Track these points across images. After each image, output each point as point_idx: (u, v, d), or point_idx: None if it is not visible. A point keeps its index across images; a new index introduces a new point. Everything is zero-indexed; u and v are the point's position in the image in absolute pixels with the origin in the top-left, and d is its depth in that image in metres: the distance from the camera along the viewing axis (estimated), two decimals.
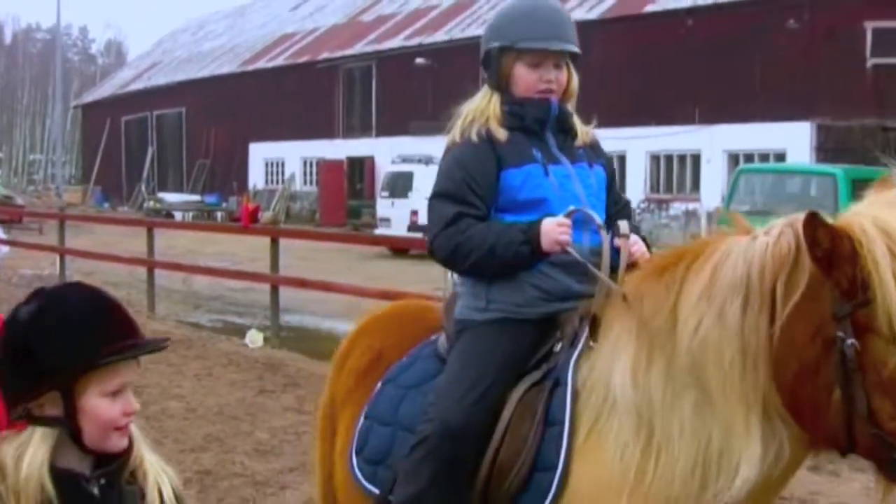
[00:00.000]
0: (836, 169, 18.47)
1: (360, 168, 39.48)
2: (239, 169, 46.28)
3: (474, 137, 3.06)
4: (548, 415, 2.81)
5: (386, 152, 33.78)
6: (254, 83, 45.92)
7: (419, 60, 37.31)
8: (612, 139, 32.47)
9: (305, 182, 43.12)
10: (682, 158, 29.40)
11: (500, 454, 2.85)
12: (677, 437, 2.61)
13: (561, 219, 2.93)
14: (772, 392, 2.50)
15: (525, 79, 3.08)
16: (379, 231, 25.91)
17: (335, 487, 3.41)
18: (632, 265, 2.95)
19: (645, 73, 30.03)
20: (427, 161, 26.34)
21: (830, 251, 2.37)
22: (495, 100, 3.11)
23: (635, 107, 30.10)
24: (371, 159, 38.46)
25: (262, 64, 46.88)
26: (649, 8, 31.22)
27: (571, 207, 2.97)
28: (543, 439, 2.80)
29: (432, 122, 36.07)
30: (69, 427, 2.09)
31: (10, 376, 2.12)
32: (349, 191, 39.06)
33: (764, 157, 27.06)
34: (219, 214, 41.60)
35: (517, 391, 2.91)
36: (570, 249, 2.92)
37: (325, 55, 42.74)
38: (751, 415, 2.51)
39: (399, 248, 23.07)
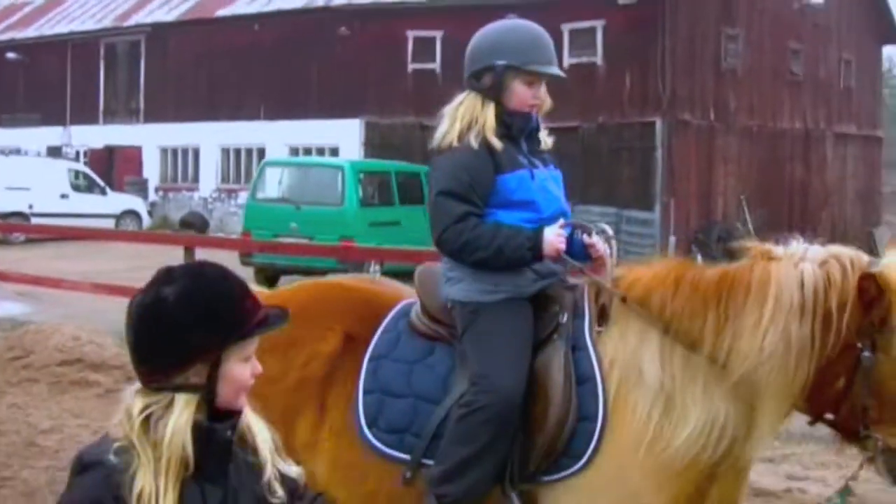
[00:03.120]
0: (344, 162, 20.95)
1: None
2: None
3: (474, 144, 3.39)
4: (579, 374, 3.27)
5: None
6: None
7: (10, 55, 36.54)
8: (187, 133, 33.58)
9: None
10: (248, 151, 31.11)
11: (557, 413, 3.24)
12: (690, 408, 3.17)
13: (558, 229, 3.39)
14: (807, 385, 3.14)
15: (521, 94, 3.45)
16: None
17: (328, 463, 3.47)
18: (596, 260, 3.47)
19: (217, 72, 31.56)
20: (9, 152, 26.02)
21: (875, 298, 3.08)
22: (490, 109, 3.43)
23: (208, 103, 31.65)
24: None
25: None
26: (221, 12, 32.80)
27: (562, 220, 3.45)
28: (581, 394, 3.24)
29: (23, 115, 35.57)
30: (209, 392, 2.21)
31: (157, 354, 2.20)
32: None
33: (321, 151, 29.32)
34: None
35: (548, 358, 3.32)
36: (565, 257, 3.41)
37: None
38: (786, 406, 3.19)
39: None
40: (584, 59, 26.33)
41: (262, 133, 30.42)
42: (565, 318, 3.35)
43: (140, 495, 2.14)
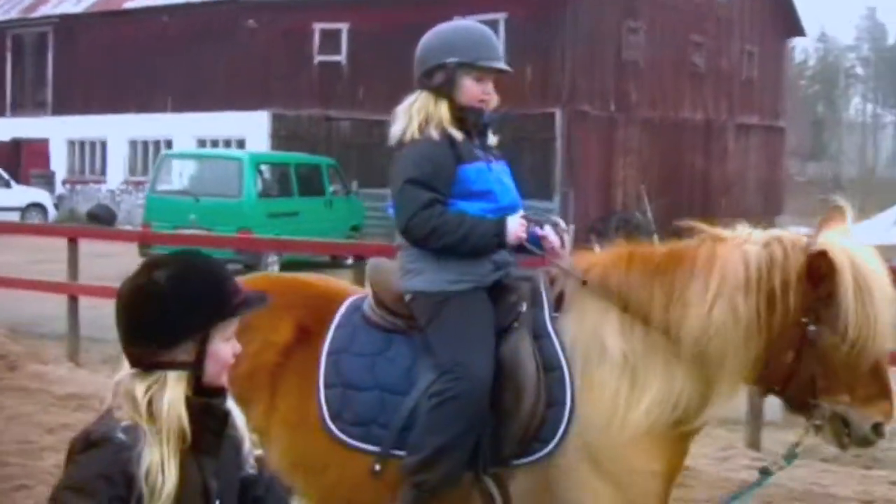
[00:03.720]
0: (243, 154, 21.06)
1: None
2: None
3: (435, 135, 3.52)
4: (546, 362, 3.39)
5: None
6: None
7: None
8: (94, 125, 33.23)
9: None
10: (156, 144, 30.95)
11: (531, 399, 3.35)
12: (652, 378, 3.33)
13: (520, 219, 3.53)
14: (757, 360, 3.29)
15: (471, 90, 3.59)
16: None
17: (280, 452, 3.53)
18: (549, 251, 3.61)
19: (125, 64, 31.34)
20: None
21: (823, 274, 3.21)
22: (443, 105, 3.57)
23: (116, 95, 31.47)
24: None
25: None
26: (128, 4, 32.61)
27: (522, 212, 3.61)
28: (549, 381, 3.35)
29: None
30: (197, 369, 2.37)
31: (148, 333, 2.34)
32: None
33: (228, 143, 29.39)
34: None
35: (516, 347, 3.43)
36: (527, 245, 3.54)
37: None
38: (738, 380, 3.33)
39: None
40: None
41: (169, 125, 30.35)
42: (524, 307, 3.47)
43: (148, 470, 2.26)
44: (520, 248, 3.58)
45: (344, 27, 28.53)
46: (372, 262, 3.83)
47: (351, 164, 27.13)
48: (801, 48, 71.24)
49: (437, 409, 3.35)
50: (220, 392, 2.44)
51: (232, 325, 2.44)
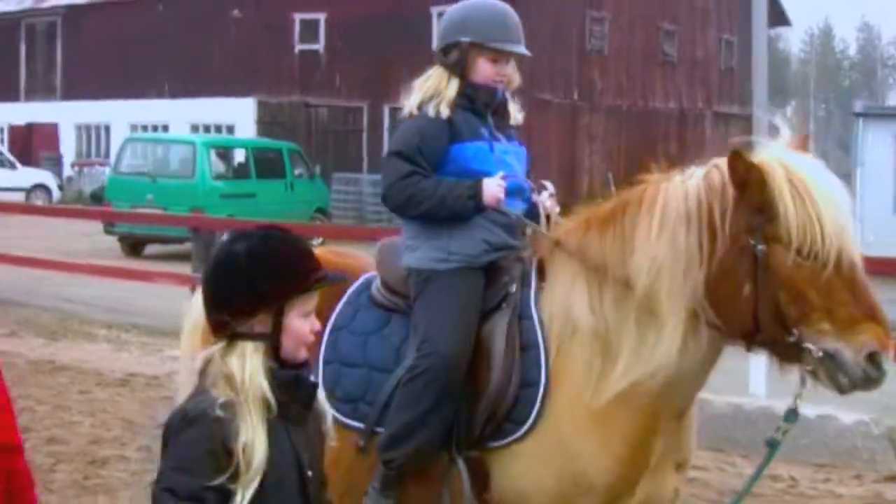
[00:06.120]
0: (196, 138, 22.37)
1: None
2: None
3: (431, 112, 3.48)
4: (523, 342, 3.34)
5: None
6: None
7: None
8: (100, 110, 34.85)
9: None
10: (155, 128, 32.65)
11: (499, 378, 3.31)
12: (625, 345, 3.23)
13: (498, 179, 3.44)
14: (702, 296, 3.14)
15: (485, 70, 3.52)
16: None
17: None
18: (547, 217, 3.55)
19: (127, 52, 33.28)
20: None
21: (745, 178, 3.04)
22: (455, 84, 3.51)
23: (119, 82, 33.43)
24: None
25: None
26: None
27: (502, 172, 3.48)
28: (524, 362, 3.31)
29: None
30: (275, 341, 2.41)
31: (236, 302, 2.40)
32: None
33: (218, 129, 31.09)
34: None
35: (494, 326, 3.39)
36: (502, 208, 3.45)
37: None
38: (681, 317, 3.15)
39: None
40: None
41: (166, 111, 32.10)
42: (514, 288, 3.44)
43: (245, 444, 2.31)
44: (499, 211, 3.51)
45: (322, 17, 29.93)
46: (382, 242, 3.83)
47: (328, 148, 28.53)
48: (840, 37, 70.55)
49: (407, 385, 3.36)
50: (303, 366, 2.49)
51: (310, 302, 2.47)
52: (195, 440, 2.32)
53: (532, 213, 3.58)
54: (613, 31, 29.69)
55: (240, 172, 21.72)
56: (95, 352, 9.74)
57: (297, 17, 30.52)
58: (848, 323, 2.99)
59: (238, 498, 2.30)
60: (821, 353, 3.00)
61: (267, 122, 30.34)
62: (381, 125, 28.27)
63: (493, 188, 3.42)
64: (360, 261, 3.93)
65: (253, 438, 2.33)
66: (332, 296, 3.54)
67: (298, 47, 30.72)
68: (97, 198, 31.71)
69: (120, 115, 33.26)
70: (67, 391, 8.02)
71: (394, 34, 26.70)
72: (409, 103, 3.56)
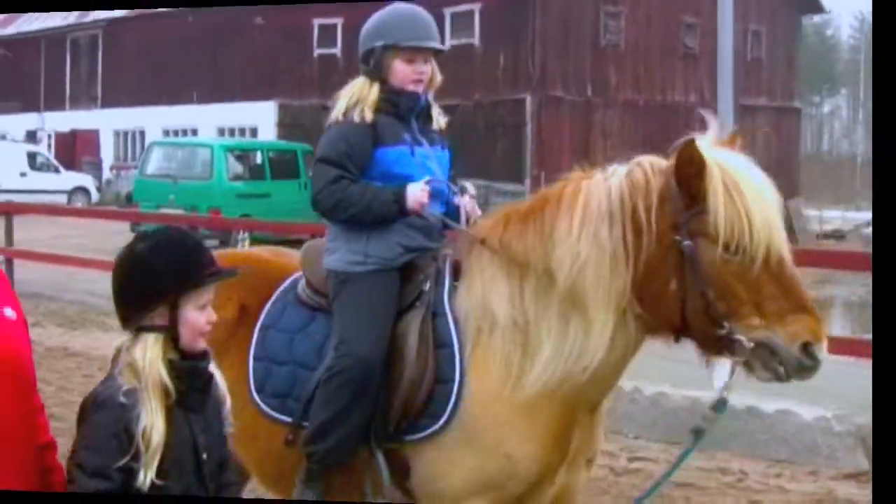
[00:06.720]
0: (213, 141, 23.37)
1: None
2: None
3: (356, 118, 3.56)
4: (437, 339, 3.40)
5: None
6: None
7: None
8: (135, 117, 36.39)
9: None
10: (185, 132, 33.77)
11: (411, 374, 3.39)
12: (545, 338, 3.24)
13: (422, 185, 3.53)
14: (630, 293, 3.15)
15: (402, 71, 3.60)
16: None
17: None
18: (468, 219, 3.64)
19: (159, 61, 34.66)
20: None
21: (689, 170, 3.04)
22: (375, 88, 3.60)
23: (152, 89, 34.85)
24: None
25: None
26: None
27: (427, 177, 3.58)
28: (439, 359, 3.37)
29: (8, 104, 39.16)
30: (173, 332, 2.62)
31: (135, 296, 2.63)
32: None
33: (242, 132, 32.03)
34: None
35: (408, 325, 3.47)
36: (424, 212, 3.54)
37: None
38: (610, 314, 3.16)
39: None
40: (463, 41, 27.97)
41: (195, 116, 33.38)
42: (427, 287, 3.51)
43: (144, 428, 2.53)
44: (422, 215, 3.59)
45: (339, 21, 30.54)
46: (307, 244, 3.93)
47: None
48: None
49: (326, 383, 3.47)
50: (203, 356, 2.70)
51: (204, 295, 2.66)
52: (102, 423, 2.54)
53: (453, 215, 3.68)
54: (630, 25, 29.44)
55: (255, 173, 22.40)
56: (106, 340, 10.31)
57: (316, 22, 31.18)
58: (778, 315, 3.02)
59: (141, 476, 2.53)
60: (752, 344, 3.03)
61: (288, 125, 31.06)
62: None
63: (416, 193, 3.53)
64: (294, 260, 4.01)
65: (152, 423, 2.53)
66: (263, 295, 3.76)
67: (317, 51, 31.36)
68: (131, 199, 33.28)
69: (153, 120, 34.53)
70: (73, 374, 8.80)
71: None
72: (336, 110, 3.65)
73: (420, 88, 3.66)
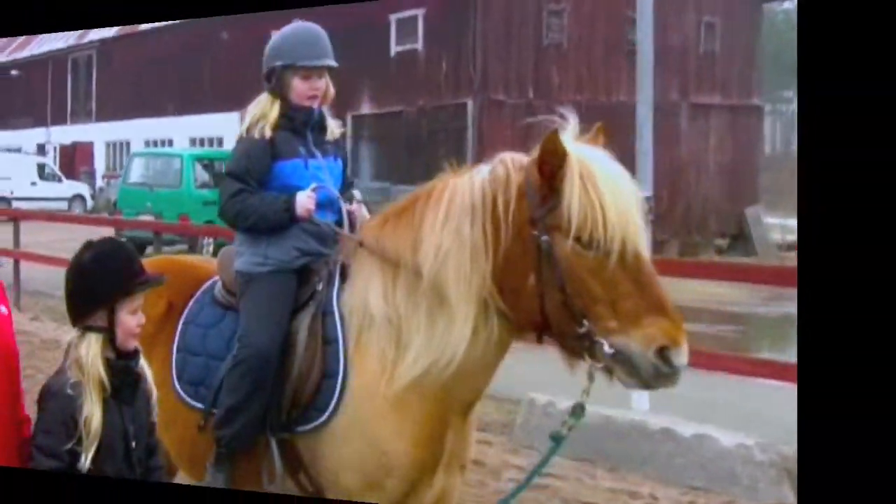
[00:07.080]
0: (183, 152, 24.31)
1: None
2: None
3: (256, 135, 3.80)
4: (325, 336, 3.61)
5: None
6: None
7: (13, 72, 44.77)
8: (121, 129, 40.05)
9: None
10: (163, 143, 35.67)
11: (300, 368, 3.62)
12: (415, 334, 3.40)
13: (308, 193, 3.76)
14: (491, 286, 3.26)
15: (299, 88, 3.83)
16: None
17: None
18: (353, 224, 3.85)
19: (142, 77, 37.35)
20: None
21: (550, 162, 3.10)
22: (276, 106, 3.82)
23: (136, 103, 37.58)
24: None
25: None
26: (144, 27, 36.71)
27: (314, 184, 3.80)
28: (326, 354, 3.58)
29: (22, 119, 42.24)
30: (111, 332, 2.98)
31: (81, 300, 3.01)
32: None
33: (211, 142, 33.64)
34: None
35: (301, 321, 3.69)
36: (313, 218, 3.77)
37: None
38: (471, 306, 3.28)
39: None
40: (408, 46, 27.92)
41: (171, 127, 35.57)
42: (320, 287, 3.71)
43: (86, 417, 2.88)
44: (310, 220, 3.77)
45: None
46: (222, 249, 4.16)
47: None
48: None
49: (230, 373, 3.70)
50: (134, 355, 3.04)
51: (136, 301, 2.99)
52: (54, 410, 2.90)
53: (344, 221, 3.88)
54: (573, 22, 28.23)
55: (221, 181, 23.24)
56: None
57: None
58: (633, 317, 2.97)
59: (83, 458, 2.89)
60: (612, 351, 2.99)
61: None
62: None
63: (303, 201, 3.75)
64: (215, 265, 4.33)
65: (92, 413, 2.88)
66: (188, 294, 4.05)
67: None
68: (116, 206, 35.60)
69: (136, 132, 36.87)
70: None
71: (356, 47, 27.73)
72: (241, 127, 3.90)
73: (316, 104, 3.88)
